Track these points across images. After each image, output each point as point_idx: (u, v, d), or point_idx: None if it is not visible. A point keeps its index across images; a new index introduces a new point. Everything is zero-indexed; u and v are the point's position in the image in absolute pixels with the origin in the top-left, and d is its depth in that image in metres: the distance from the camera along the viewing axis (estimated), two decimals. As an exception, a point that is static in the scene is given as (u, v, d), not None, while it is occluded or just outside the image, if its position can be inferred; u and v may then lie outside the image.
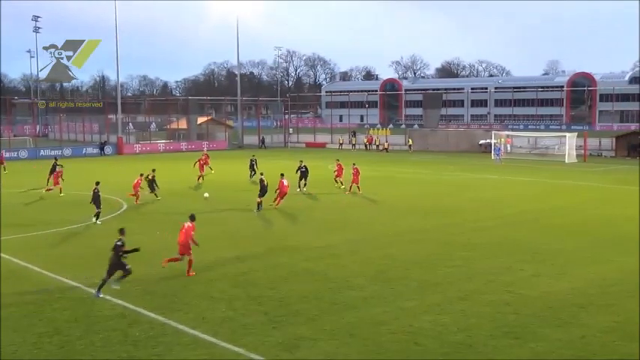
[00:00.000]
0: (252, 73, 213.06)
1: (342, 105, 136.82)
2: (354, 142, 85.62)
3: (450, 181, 44.65)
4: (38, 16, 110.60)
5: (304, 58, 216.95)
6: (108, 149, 75.08)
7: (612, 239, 24.17)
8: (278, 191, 31.83)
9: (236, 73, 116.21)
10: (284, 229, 26.89)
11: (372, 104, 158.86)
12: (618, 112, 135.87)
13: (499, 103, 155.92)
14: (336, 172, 39.58)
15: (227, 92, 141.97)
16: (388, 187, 39.86)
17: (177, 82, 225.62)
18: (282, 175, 32.75)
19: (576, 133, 67.66)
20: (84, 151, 73.73)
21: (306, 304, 16.04)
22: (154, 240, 24.30)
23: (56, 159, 43.81)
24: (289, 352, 12.93)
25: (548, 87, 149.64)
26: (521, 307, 15.69)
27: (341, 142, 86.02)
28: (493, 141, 67.61)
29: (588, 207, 32.68)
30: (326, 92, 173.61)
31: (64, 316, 15.21)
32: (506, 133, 77.26)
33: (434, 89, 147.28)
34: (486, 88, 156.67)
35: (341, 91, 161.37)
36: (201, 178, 43.25)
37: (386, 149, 78.79)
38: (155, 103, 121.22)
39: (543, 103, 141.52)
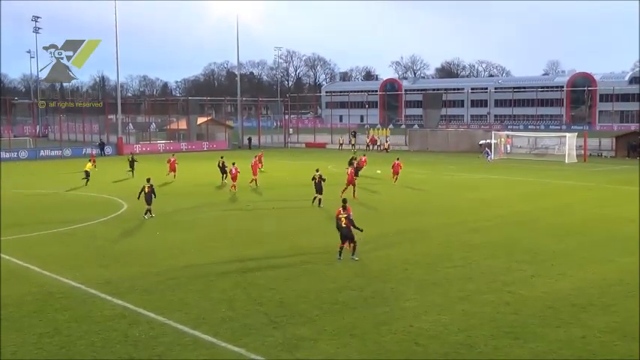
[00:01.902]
0: (252, 73, 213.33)
1: (342, 105, 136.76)
2: (353, 143, 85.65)
3: (450, 181, 44.66)
4: (38, 17, 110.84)
5: (304, 58, 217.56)
6: (108, 149, 75.10)
7: (612, 239, 24.16)
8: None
9: (236, 73, 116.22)
10: (285, 228, 26.88)
11: (372, 104, 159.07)
12: (618, 112, 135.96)
13: (499, 103, 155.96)
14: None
15: (227, 92, 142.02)
16: (388, 187, 39.87)
17: (177, 82, 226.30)
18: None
19: (576, 133, 67.73)
20: (84, 152, 73.74)
21: (307, 304, 16.04)
22: (154, 240, 24.33)
23: (132, 153, 45.86)
24: (290, 353, 12.93)
25: (548, 87, 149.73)
26: (521, 307, 15.70)
27: (341, 142, 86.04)
28: (493, 141, 67.67)
29: (588, 207, 32.67)
30: (326, 92, 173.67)
31: (64, 317, 15.20)
32: (506, 133, 77.30)
33: (434, 89, 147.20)
34: (486, 89, 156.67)
35: (341, 92, 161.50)
36: (254, 181, 40.82)
37: (386, 149, 78.80)
38: (155, 103, 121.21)
39: (543, 103, 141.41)
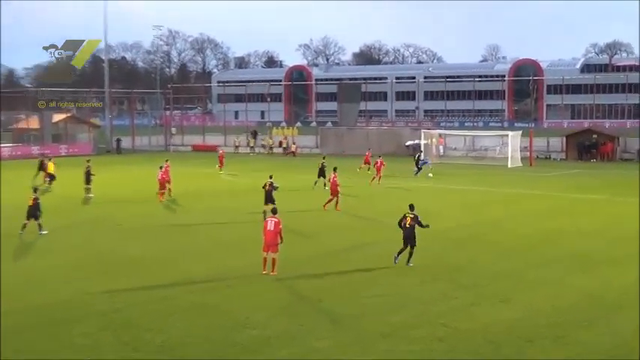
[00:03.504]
0: (124, 58, 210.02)
1: (238, 98, 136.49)
2: (252, 145, 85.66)
3: (373, 191, 45.18)
4: None
5: (190, 40, 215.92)
6: None
7: (565, 257, 25.06)
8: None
9: (103, 58, 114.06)
10: (172, 251, 26.53)
11: (276, 97, 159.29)
12: (569, 106, 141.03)
13: (429, 95, 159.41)
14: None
15: (92, 83, 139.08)
16: (300, 200, 40.01)
17: (26, 69, 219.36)
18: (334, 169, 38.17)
19: (520, 132, 69.78)
20: None
21: (194, 347, 15.85)
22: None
23: (88, 161, 44.84)
24: (173, 410, 12.74)
25: (487, 76, 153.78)
26: (457, 344, 16.00)
27: (237, 144, 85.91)
28: (423, 141, 68.90)
29: (536, 219, 33.76)
30: (218, 83, 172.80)
31: None
32: (439, 131, 78.90)
33: (351, 79, 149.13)
34: (414, 78, 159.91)
35: (236, 82, 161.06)
36: (167, 192, 40.82)
37: (293, 153, 79.13)
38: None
39: (481, 95, 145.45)
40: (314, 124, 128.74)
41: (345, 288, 20.99)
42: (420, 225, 23.46)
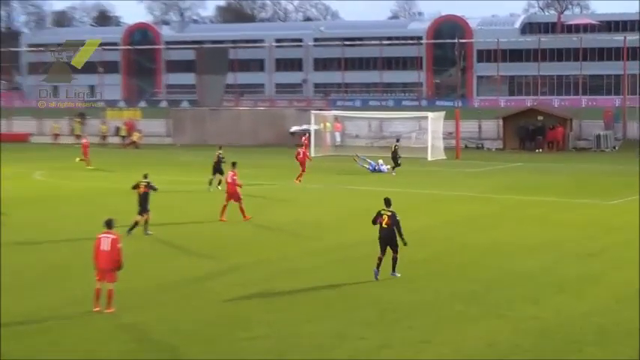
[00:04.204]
0: None
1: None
2: (79, 133, 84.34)
3: (242, 194, 45.11)
4: None
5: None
6: None
7: (500, 281, 25.61)
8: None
9: None
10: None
11: (110, 67, 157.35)
12: (506, 78, 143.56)
13: (322, 64, 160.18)
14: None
15: None
16: (181, 206, 39.81)
17: None
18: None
19: (444, 113, 70.54)
20: None
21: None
22: None
23: None
24: None
25: (398, 38, 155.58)
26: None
27: (57, 132, 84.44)
28: (314, 127, 68.95)
29: (464, 231, 34.38)
30: (29, 46, 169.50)
31: None
32: (335, 113, 79.34)
33: (214, 42, 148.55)
34: (301, 41, 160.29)
35: (56, 45, 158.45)
36: None
37: (135, 143, 78.23)
38: None
39: (391, 64, 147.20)
40: (164, 103, 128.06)
41: (212, 328, 20.78)
42: (398, 229, 25.05)
